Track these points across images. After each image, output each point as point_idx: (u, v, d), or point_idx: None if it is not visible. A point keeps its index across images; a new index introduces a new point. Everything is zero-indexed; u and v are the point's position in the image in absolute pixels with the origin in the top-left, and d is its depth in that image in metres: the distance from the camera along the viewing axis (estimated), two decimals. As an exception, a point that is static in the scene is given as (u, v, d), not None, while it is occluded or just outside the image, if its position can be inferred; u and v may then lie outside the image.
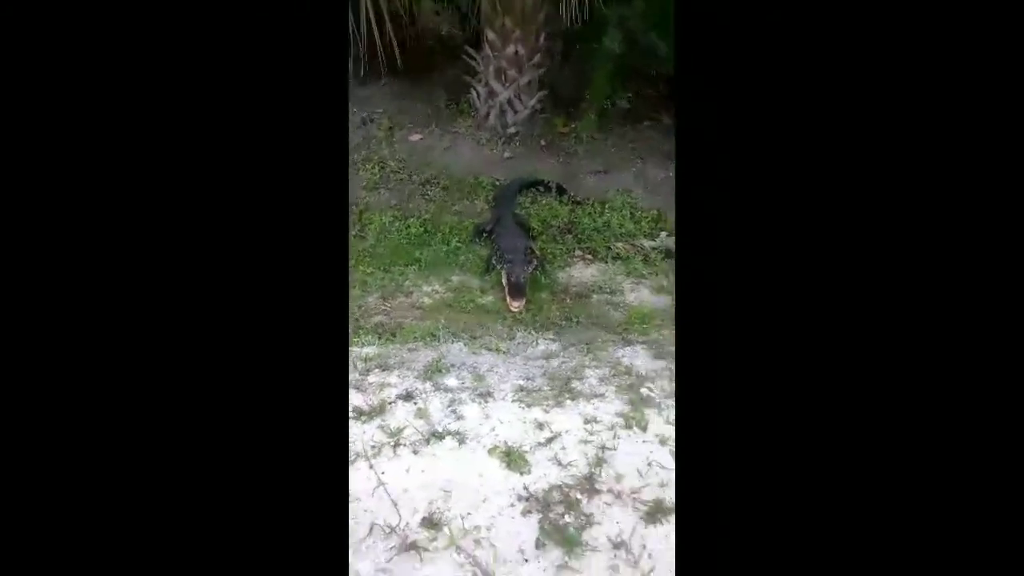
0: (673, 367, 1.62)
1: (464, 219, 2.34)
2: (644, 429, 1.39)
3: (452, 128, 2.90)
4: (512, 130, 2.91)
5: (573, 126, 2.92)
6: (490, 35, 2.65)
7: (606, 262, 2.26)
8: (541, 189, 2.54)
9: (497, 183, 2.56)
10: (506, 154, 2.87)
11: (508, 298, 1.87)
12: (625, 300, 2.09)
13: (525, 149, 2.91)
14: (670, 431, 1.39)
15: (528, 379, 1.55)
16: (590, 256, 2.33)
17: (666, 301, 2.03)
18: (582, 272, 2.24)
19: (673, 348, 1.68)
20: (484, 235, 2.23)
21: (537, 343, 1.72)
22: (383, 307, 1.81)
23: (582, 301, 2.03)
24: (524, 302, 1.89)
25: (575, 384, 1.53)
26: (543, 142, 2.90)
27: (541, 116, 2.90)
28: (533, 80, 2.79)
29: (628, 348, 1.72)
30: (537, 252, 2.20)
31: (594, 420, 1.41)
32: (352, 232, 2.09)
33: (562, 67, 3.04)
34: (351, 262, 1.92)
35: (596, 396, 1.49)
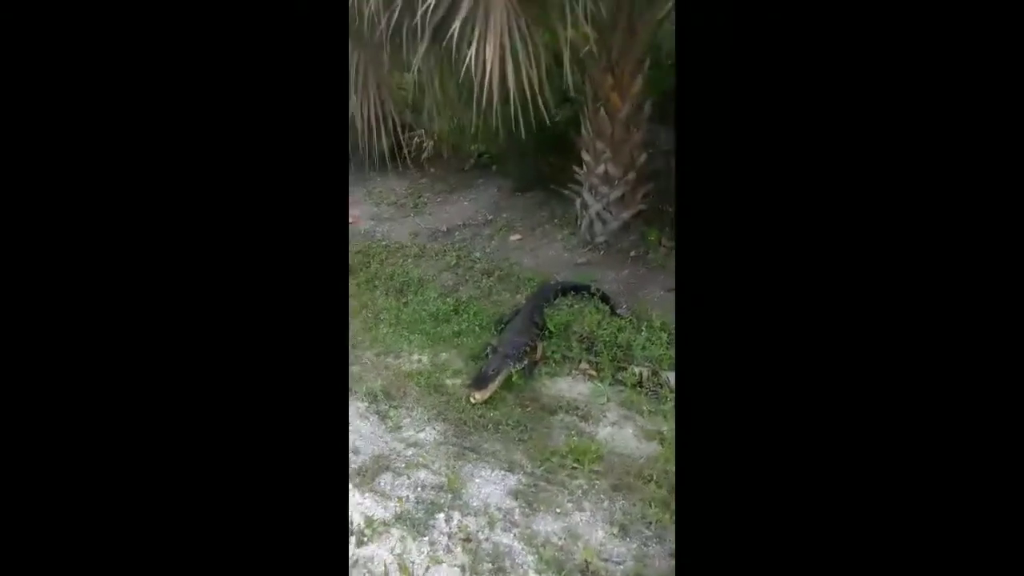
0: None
1: (500, 308, 2.60)
2: None
3: (554, 234, 3.30)
4: (600, 239, 3.05)
5: (669, 244, 2.80)
6: (584, 155, 3.01)
7: (604, 383, 2.00)
8: (585, 294, 2.52)
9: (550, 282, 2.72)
10: (580, 260, 3.00)
11: (471, 386, 1.98)
12: (594, 431, 1.79)
13: (606, 258, 2.96)
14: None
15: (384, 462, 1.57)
16: (593, 372, 2.12)
17: (650, 450, 1.63)
18: (568, 386, 2.06)
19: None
20: (499, 326, 2.42)
21: (441, 446, 1.72)
22: (367, 360, 2.26)
23: (542, 416, 1.88)
24: (485, 394, 1.95)
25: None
26: (633, 254, 2.88)
27: (641, 229, 2.92)
28: (628, 195, 2.90)
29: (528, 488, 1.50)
30: (537, 354, 2.20)
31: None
32: (400, 299, 2.72)
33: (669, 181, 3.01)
34: (383, 324, 2.51)
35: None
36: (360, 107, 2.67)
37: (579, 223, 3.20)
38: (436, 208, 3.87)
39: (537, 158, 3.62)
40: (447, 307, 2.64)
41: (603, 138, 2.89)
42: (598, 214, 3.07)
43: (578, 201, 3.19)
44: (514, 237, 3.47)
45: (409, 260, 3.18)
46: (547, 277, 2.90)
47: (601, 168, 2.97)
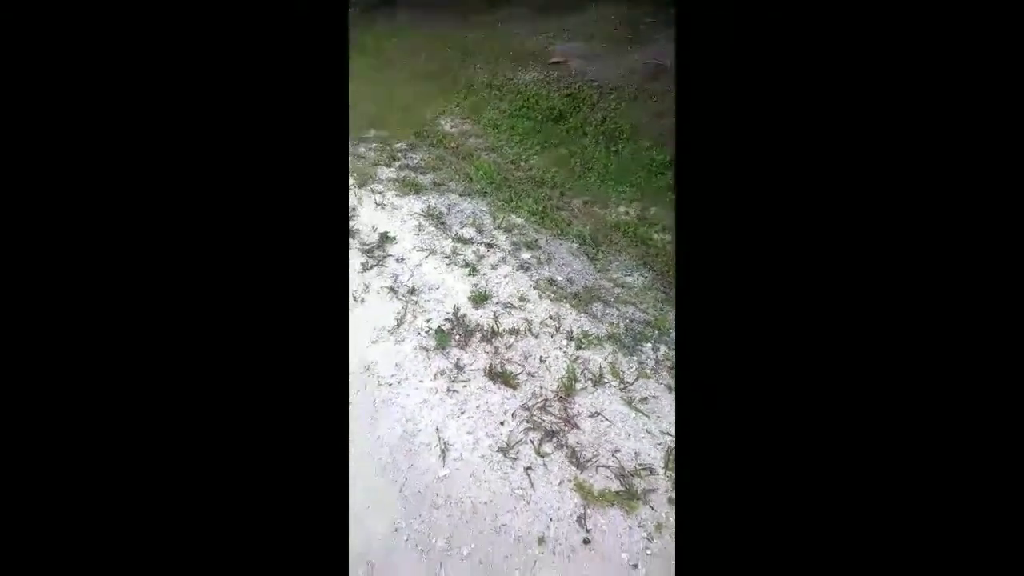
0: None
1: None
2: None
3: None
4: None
5: None
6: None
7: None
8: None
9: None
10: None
11: None
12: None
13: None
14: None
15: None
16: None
17: None
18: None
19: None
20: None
21: (649, 291, 1.79)
22: (575, 207, 2.37)
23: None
24: None
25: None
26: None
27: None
28: None
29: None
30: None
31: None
32: (611, 147, 2.64)
33: None
34: (591, 173, 2.54)
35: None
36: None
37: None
38: (659, 40, 3.36)
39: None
40: (662, 158, 2.50)
41: None
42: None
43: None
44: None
45: (623, 104, 3.00)
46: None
47: None
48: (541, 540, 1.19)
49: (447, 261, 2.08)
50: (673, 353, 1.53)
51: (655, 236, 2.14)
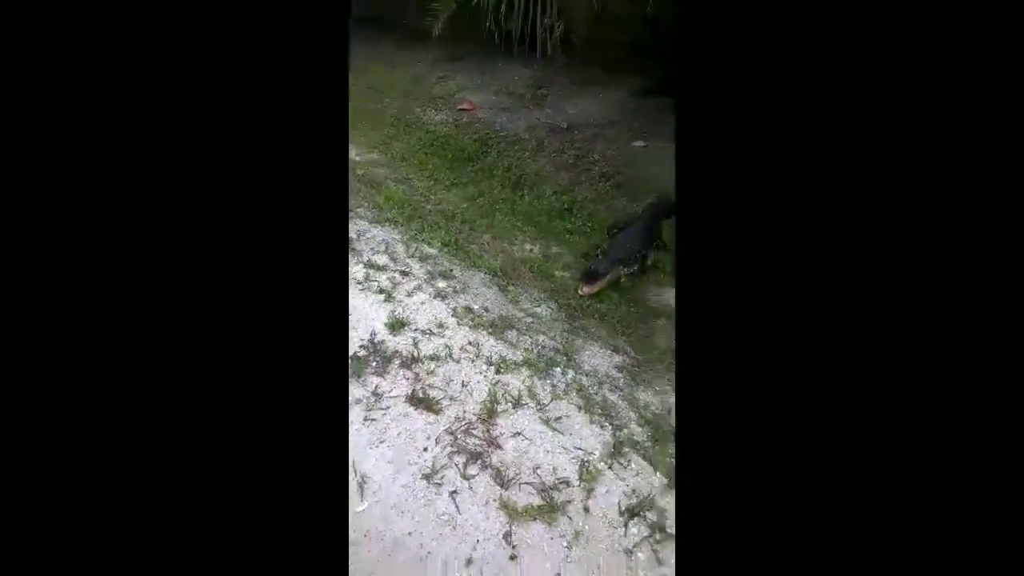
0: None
1: (615, 214, 2.73)
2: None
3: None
4: (734, 158, 2.92)
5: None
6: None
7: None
8: (707, 214, 2.54)
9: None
10: (706, 177, 2.93)
11: (581, 281, 2.23)
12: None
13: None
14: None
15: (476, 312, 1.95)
16: (701, 290, 2.25)
17: None
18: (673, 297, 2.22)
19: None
20: (612, 231, 2.57)
21: (555, 321, 2.02)
22: (484, 242, 2.55)
23: (646, 317, 2.10)
24: (594, 289, 2.20)
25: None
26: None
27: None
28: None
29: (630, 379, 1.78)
30: (647, 263, 2.36)
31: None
32: (516, 191, 2.93)
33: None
34: (498, 212, 2.77)
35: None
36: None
37: (712, 138, 3.08)
38: (558, 103, 3.86)
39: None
40: (561, 205, 2.81)
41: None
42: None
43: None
44: (638, 143, 3.43)
45: (526, 154, 3.33)
46: (670, 189, 2.92)
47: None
48: (469, 561, 1.19)
49: (360, 287, 2.03)
50: (580, 378, 1.71)
51: (557, 273, 2.38)
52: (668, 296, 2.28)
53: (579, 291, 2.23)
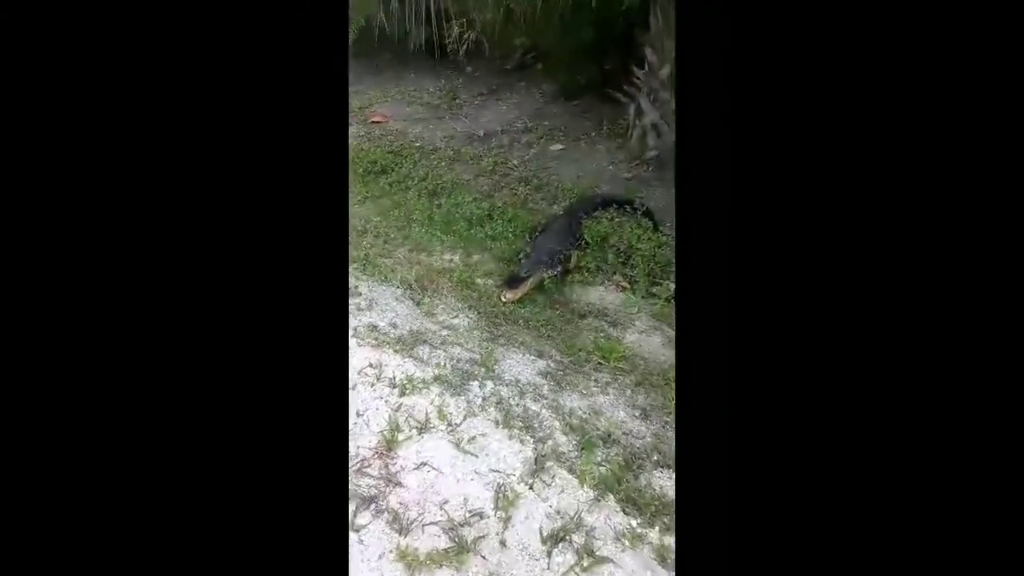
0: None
1: (536, 217, 2.65)
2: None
3: (599, 146, 3.22)
4: (652, 153, 2.96)
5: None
6: (650, 55, 2.83)
7: (637, 295, 2.09)
8: (627, 209, 2.53)
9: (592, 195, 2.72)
10: (626, 174, 2.95)
11: (504, 287, 2.10)
12: (622, 336, 1.91)
13: (656, 173, 2.90)
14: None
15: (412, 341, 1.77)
16: (626, 285, 2.20)
17: (671, 356, 1.74)
18: (600, 296, 2.15)
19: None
20: (534, 233, 2.48)
21: (474, 331, 1.87)
22: (400, 256, 2.38)
23: (571, 318, 2.00)
24: (517, 294, 2.07)
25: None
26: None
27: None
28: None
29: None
30: (571, 263, 2.28)
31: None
32: (433, 201, 2.79)
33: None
34: (415, 223, 2.61)
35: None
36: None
37: (630, 134, 3.10)
38: (473, 111, 3.80)
39: (590, 59, 3.44)
40: (481, 211, 2.69)
41: (674, 34, 2.71)
42: (654, 124, 2.95)
43: (632, 108, 3.06)
44: (555, 146, 3.41)
45: (443, 164, 3.21)
46: (588, 190, 2.89)
47: (666, 70, 2.81)
48: (356, 635, 0.97)
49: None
50: (500, 389, 1.55)
51: (479, 281, 2.24)
52: (593, 295, 2.21)
53: (502, 298, 2.10)
